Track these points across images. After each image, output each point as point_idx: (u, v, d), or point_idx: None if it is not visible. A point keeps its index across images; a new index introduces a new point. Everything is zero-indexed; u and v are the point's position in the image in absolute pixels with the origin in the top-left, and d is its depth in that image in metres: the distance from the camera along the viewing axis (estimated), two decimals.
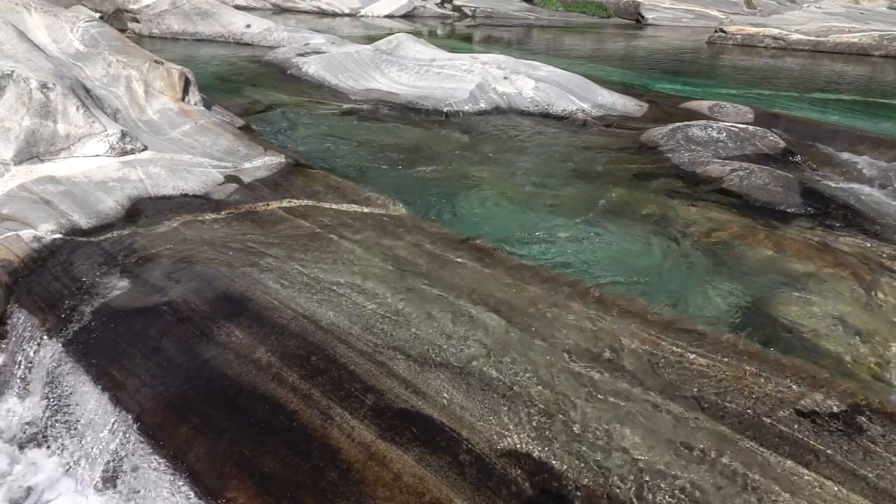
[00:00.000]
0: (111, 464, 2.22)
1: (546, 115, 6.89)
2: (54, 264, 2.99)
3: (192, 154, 4.32)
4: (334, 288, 2.85)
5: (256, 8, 16.59)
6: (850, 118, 7.87)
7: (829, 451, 2.07)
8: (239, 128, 5.24)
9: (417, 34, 10.11)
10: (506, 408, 2.20)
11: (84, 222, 3.33)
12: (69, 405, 2.44)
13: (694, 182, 4.86)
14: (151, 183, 3.82)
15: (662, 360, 2.47)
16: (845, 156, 5.66)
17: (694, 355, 2.50)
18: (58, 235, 3.18)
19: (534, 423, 2.14)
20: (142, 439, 2.18)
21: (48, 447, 2.45)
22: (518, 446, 2.06)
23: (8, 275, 2.89)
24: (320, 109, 6.75)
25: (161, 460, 2.11)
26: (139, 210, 3.55)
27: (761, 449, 2.06)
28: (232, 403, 2.22)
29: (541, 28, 19.16)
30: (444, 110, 6.74)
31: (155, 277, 2.89)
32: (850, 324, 3.07)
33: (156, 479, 2.10)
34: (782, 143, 5.65)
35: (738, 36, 15.80)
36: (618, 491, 1.92)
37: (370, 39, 9.61)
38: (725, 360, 2.48)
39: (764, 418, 2.19)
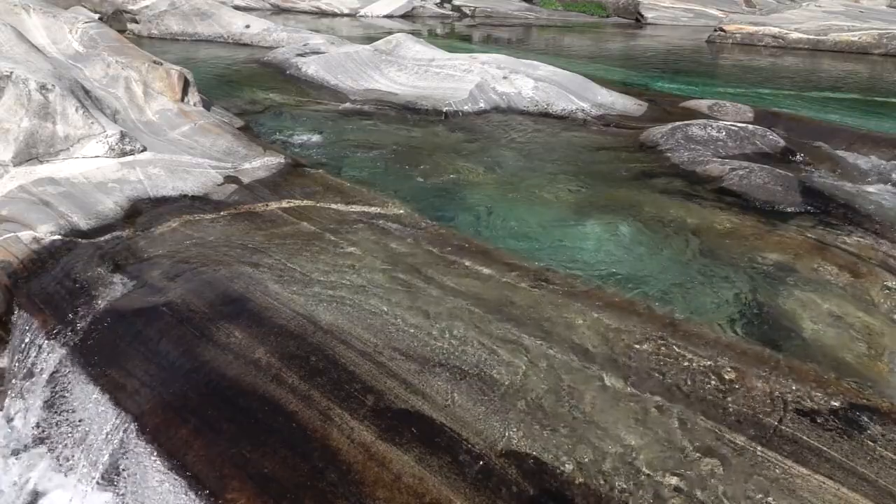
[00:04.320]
0: (111, 465, 2.22)
1: (546, 115, 6.88)
2: (54, 266, 2.99)
3: (192, 155, 4.32)
4: (334, 288, 2.85)
5: (255, 8, 16.57)
6: (850, 117, 7.86)
7: (829, 451, 2.07)
8: (238, 128, 5.24)
9: (417, 34, 10.10)
10: (506, 408, 2.20)
11: (83, 223, 3.33)
12: (69, 406, 2.44)
13: (694, 181, 4.85)
14: (151, 184, 3.82)
15: (663, 361, 2.46)
16: (845, 154, 5.65)
17: (694, 355, 2.49)
18: (57, 237, 3.18)
19: (534, 423, 2.14)
20: (142, 440, 2.18)
21: (48, 448, 2.45)
22: (518, 446, 2.06)
23: (7, 276, 2.89)
24: (319, 110, 6.75)
25: (161, 461, 2.11)
26: (139, 211, 3.55)
27: (761, 448, 2.06)
28: (231, 404, 2.22)
29: (540, 28, 19.13)
30: (444, 110, 6.74)
31: (154, 278, 2.89)
32: (850, 322, 3.07)
33: (155, 479, 2.10)
34: (782, 142, 5.64)
35: (737, 35, 15.76)
36: (617, 491, 1.92)
37: (369, 39, 9.60)
38: (725, 359, 2.47)
39: (764, 418, 2.19)
